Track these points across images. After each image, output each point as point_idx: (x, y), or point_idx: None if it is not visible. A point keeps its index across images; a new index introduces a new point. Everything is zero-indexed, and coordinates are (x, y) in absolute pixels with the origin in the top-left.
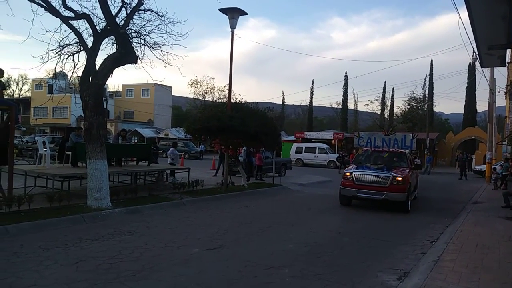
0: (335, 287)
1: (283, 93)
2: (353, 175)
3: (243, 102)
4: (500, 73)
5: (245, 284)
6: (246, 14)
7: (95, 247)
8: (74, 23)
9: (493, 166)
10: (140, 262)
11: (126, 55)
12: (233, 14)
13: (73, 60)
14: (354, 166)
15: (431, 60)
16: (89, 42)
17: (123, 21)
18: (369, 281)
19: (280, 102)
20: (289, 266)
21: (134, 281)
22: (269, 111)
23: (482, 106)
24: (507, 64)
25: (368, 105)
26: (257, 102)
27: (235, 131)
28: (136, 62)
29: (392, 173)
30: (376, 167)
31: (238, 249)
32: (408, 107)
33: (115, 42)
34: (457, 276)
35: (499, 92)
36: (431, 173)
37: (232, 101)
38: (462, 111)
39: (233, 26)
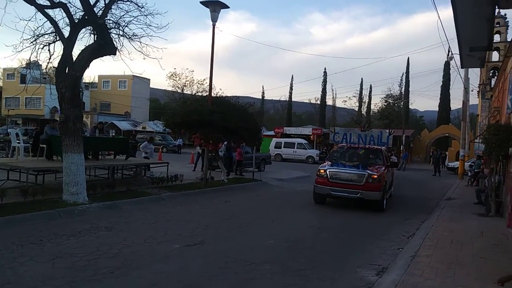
0: (315, 283)
1: (263, 88)
2: (328, 172)
3: (223, 96)
4: (474, 72)
5: (226, 281)
6: (228, 7)
7: (72, 243)
8: (50, 12)
9: (468, 163)
10: (118, 259)
11: (104, 46)
12: (215, 7)
13: (49, 50)
14: (329, 163)
15: (408, 58)
16: (66, 32)
17: (101, 11)
18: (349, 277)
19: (260, 97)
20: (269, 262)
21: (113, 278)
22: (250, 106)
23: (455, 104)
24: (486, 65)
25: (346, 101)
26: (238, 97)
27: (216, 126)
28: (115, 54)
29: (368, 171)
30: (352, 164)
31: (219, 245)
32: (385, 104)
33: (92, 32)
34: (433, 271)
35: (472, 91)
36: (406, 169)
37: (212, 95)
38: (436, 108)
39: (214, 19)
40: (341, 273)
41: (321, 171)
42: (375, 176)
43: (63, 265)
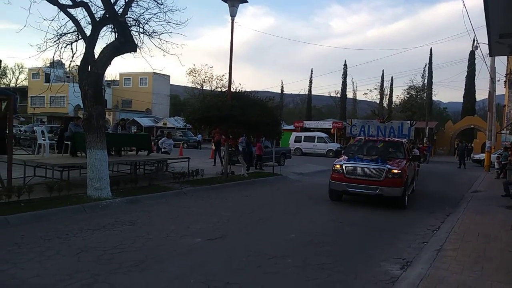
0: (338, 277)
1: (282, 82)
2: (344, 167)
3: (242, 91)
4: (501, 61)
5: (249, 274)
6: (247, 1)
7: (97, 237)
8: (72, 11)
9: (495, 155)
10: (142, 253)
11: (125, 43)
12: (233, 2)
13: (71, 49)
14: (345, 157)
15: (431, 49)
16: (87, 31)
17: (121, 9)
18: (373, 271)
19: (279, 91)
20: (291, 256)
21: (137, 272)
22: (269, 100)
23: (481, 95)
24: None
25: (367, 94)
26: (257, 91)
27: (236, 120)
28: (135, 51)
29: (388, 165)
30: (370, 159)
31: (240, 239)
32: (407, 96)
33: (113, 30)
34: (460, 265)
35: (498, 80)
36: (430, 162)
37: (231, 90)
38: (460, 100)
39: (233, 14)
40: (364, 267)
41: (337, 166)
42: (396, 171)
43: (89, 258)
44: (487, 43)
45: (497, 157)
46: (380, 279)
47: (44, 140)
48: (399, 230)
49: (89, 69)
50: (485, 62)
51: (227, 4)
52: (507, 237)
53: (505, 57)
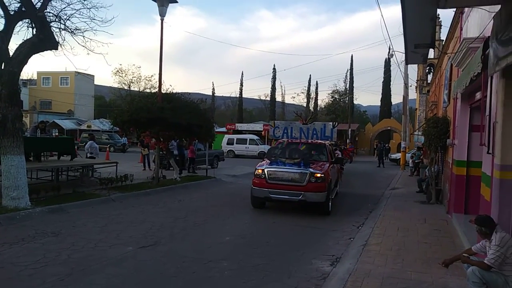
0: (273, 276)
1: (213, 84)
2: (266, 172)
3: (173, 92)
4: (412, 68)
5: (184, 281)
6: (176, 1)
7: (15, 252)
8: None
9: (409, 155)
10: (68, 265)
11: (44, 40)
12: (163, 1)
13: None
14: (267, 161)
15: (351, 56)
16: (0, 25)
17: (40, 3)
18: (305, 268)
19: (211, 93)
20: (227, 259)
21: (63, 286)
22: (201, 102)
23: (396, 99)
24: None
25: (294, 97)
26: (188, 93)
27: (167, 123)
28: (56, 49)
29: (310, 169)
30: (292, 162)
31: (174, 245)
32: (332, 99)
33: (31, 25)
34: (383, 258)
35: (410, 86)
36: (353, 162)
37: (162, 91)
38: (378, 103)
39: (162, 14)
40: (297, 265)
41: (259, 170)
42: (319, 175)
43: (6, 275)
44: (402, 51)
45: (411, 156)
46: (313, 276)
47: None
48: (327, 227)
49: (3, 67)
50: (400, 69)
51: (155, 3)
52: (422, 230)
53: (416, 65)
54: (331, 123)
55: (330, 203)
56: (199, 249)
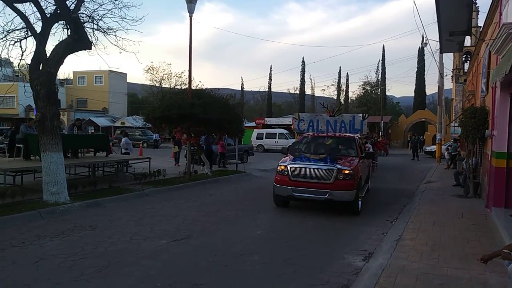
0: (304, 271)
1: (242, 79)
2: (288, 168)
3: (203, 88)
4: (448, 57)
5: (216, 274)
6: None
7: (55, 244)
8: (19, 6)
9: (445, 147)
10: (105, 258)
11: (79, 41)
12: None
13: (21, 46)
14: (291, 156)
15: (383, 46)
16: (38, 27)
17: (74, 5)
18: (337, 263)
19: (239, 88)
20: (258, 252)
21: (101, 278)
22: (231, 97)
23: (430, 89)
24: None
25: (324, 90)
26: (218, 89)
27: (197, 119)
28: (90, 48)
29: (338, 165)
30: (318, 158)
31: (206, 238)
32: (363, 91)
33: (66, 27)
34: (418, 254)
35: (446, 75)
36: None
37: (192, 88)
38: (412, 94)
39: (191, 11)
40: (329, 260)
41: (281, 166)
42: (347, 171)
43: (48, 267)
44: (436, 40)
45: (447, 149)
46: (344, 271)
47: None
48: (359, 222)
49: (41, 68)
50: (434, 58)
51: (184, 0)
52: (460, 225)
53: (452, 53)
54: (360, 114)
55: (360, 202)
56: (231, 242)
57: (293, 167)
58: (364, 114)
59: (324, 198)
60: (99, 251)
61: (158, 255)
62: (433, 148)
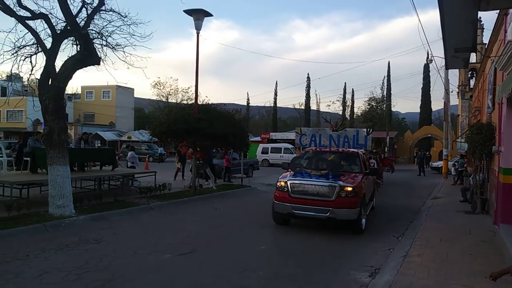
0: (310, 287)
1: (247, 95)
2: (288, 185)
3: (209, 104)
4: (453, 73)
5: None
6: (211, 15)
7: (60, 258)
8: (31, 23)
9: (451, 163)
10: (109, 271)
11: (88, 56)
12: (198, 15)
13: (31, 62)
14: (291, 172)
15: (388, 62)
16: (48, 43)
17: (83, 22)
18: (342, 279)
19: (245, 103)
20: (263, 268)
21: None
22: (236, 112)
23: (436, 105)
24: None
25: (330, 105)
26: (224, 104)
27: (203, 133)
28: (99, 64)
29: (340, 182)
30: (319, 174)
31: (210, 253)
32: (368, 107)
33: (75, 43)
34: (425, 270)
35: (452, 92)
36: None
37: (198, 103)
38: (417, 110)
39: (198, 28)
40: (334, 276)
41: (281, 182)
42: (350, 188)
43: (52, 280)
44: (441, 56)
45: (454, 164)
46: (350, 287)
47: (1, 156)
48: (365, 237)
49: (50, 83)
50: (440, 74)
51: (192, 18)
52: (467, 241)
53: (458, 70)
54: (364, 129)
55: (364, 221)
56: (235, 257)
57: (293, 183)
58: (368, 129)
59: (326, 216)
60: (103, 264)
61: (162, 270)
62: (440, 163)
